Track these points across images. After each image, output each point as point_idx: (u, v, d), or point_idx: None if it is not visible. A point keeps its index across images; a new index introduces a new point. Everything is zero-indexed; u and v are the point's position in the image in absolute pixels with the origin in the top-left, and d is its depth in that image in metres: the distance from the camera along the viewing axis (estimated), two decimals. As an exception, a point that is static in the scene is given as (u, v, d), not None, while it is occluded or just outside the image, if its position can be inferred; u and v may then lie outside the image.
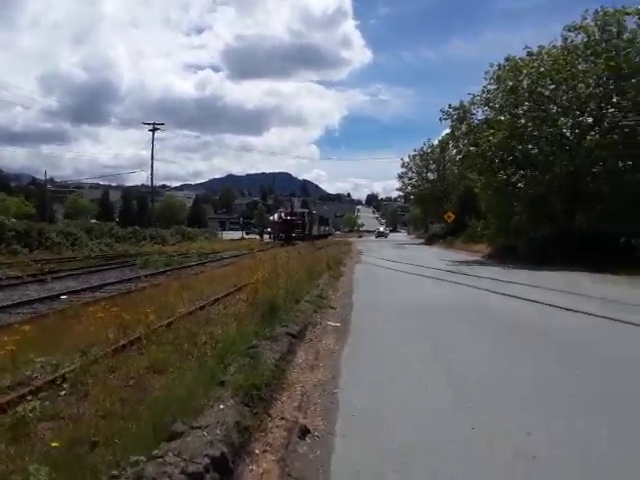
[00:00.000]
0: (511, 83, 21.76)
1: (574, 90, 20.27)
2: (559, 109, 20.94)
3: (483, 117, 23.60)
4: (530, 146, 21.72)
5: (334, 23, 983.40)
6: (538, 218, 21.18)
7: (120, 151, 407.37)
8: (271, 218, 74.11)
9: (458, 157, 25.90)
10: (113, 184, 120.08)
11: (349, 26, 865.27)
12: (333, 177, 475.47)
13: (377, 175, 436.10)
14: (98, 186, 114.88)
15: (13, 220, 28.28)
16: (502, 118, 22.02)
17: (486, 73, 23.12)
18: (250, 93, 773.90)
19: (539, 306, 8.85)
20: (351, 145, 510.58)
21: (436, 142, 51.07)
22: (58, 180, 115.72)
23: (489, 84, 22.98)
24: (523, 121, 21.04)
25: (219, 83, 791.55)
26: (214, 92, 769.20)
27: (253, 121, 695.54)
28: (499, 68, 22.07)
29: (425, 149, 53.60)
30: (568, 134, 21.06)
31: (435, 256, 25.58)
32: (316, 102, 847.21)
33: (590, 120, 21.04)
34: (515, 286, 11.79)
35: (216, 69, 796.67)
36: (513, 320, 7.63)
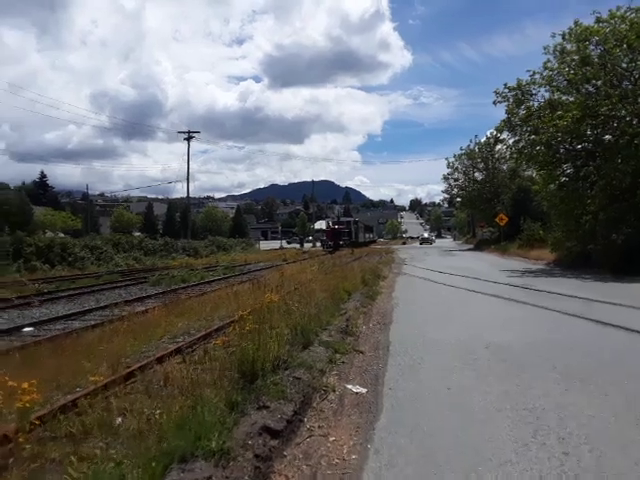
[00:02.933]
0: (576, 57, 18.23)
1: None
2: (639, 82, 17.25)
3: (543, 100, 20.02)
4: (602, 130, 18.15)
5: (372, 26, 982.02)
6: (620, 217, 17.42)
7: (167, 164, 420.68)
8: (315, 226, 73.95)
9: (514, 148, 22.13)
10: (160, 196, 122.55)
11: (387, 28, 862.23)
12: (376, 183, 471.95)
13: (420, 180, 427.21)
14: (146, 199, 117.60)
15: (25, 236, 27.28)
16: (571, 99, 18.47)
17: (545, 48, 19.63)
18: (291, 101, 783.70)
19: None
20: (394, 150, 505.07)
21: (484, 139, 47.11)
22: (108, 194, 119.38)
23: (548, 61, 19.49)
24: (596, 100, 17.37)
25: (260, 93, 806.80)
26: (256, 102, 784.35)
27: (294, 129, 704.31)
28: (563, 39, 18.55)
29: (472, 147, 49.54)
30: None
31: (490, 265, 22.20)
32: (357, 107, 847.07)
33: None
34: (618, 310, 8.62)
35: (257, 79, 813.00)
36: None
